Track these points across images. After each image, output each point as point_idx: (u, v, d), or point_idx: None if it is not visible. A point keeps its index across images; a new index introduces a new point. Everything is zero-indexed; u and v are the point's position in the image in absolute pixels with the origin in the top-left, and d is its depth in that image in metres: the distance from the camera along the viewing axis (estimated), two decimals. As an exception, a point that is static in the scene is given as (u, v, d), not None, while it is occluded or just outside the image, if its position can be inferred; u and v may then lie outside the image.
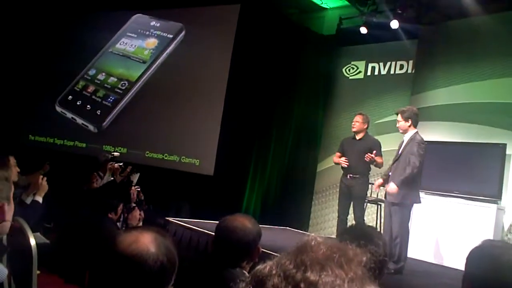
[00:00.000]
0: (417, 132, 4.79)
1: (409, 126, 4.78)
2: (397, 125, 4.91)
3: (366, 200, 5.99)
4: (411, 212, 4.85)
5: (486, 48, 6.54)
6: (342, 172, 5.74)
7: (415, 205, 4.80)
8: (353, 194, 5.55)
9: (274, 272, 0.69)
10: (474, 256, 1.51)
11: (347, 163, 5.54)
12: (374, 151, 5.34)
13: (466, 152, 6.27)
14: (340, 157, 5.71)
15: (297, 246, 0.75)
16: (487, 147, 6.13)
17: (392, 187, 4.62)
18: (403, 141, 4.90)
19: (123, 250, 1.21)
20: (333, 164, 8.05)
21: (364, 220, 5.74)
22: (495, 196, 5.87)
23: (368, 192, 5.90)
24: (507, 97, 6.27)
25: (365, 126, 5.67)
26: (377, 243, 1.61)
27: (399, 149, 4.91)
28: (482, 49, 6.57)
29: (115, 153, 5.82)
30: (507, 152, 5.97)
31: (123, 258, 1.20)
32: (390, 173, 4.90)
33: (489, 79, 6.49)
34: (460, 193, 6.05)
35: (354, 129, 5.67)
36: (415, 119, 4.79)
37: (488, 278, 1.41)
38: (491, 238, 5.30)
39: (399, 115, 4.85)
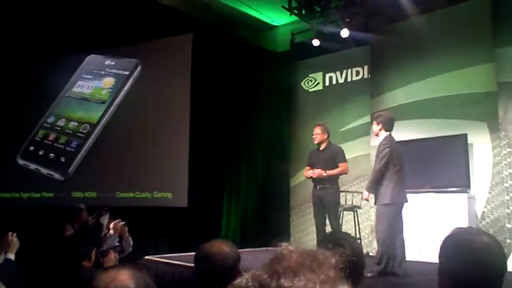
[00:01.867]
0: (386, 136, 4.91)
1: (380, 130, 4.94)
2: (314, 136, 5.35)
3: (341, 209, 6.05)
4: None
5: (434, 44, 6.79)
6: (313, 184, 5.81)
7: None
8: (325, 205, 5.61)
9: (250, 284, 0.70)
10: (447, 245, 1.53)
11: (314, 174, 5.60)
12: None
13: (430, 147, 6.43)
14: (310, 169, 5.77)
15: (271, 257, 0.77)
16: (450, 139, 6.30)
17: (364, 193, 4.90)
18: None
19: (101, 291, 1.19)
20: (305, 178, 8.21)
21: (341, 228, 5.78)
22: (464, 185, 6.03)
23: (342, 200, 5.98)
24: (461, 88, 6.49)
25: (326, 136, 5.78)
26: (343, 245, 1.64)
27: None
28: (430, 45, 6.81)
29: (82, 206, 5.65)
30: (469, 141, 6.16)
31: (101, 299, 1.18)
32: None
33: (442, 73, 6.70)
34: (430, 187, 6.19)
35: (316, 141, 5.78)
36: (387, 123, 4.94)
37: (462, 264, 1.43)
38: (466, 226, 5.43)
39: (374, 118, 5.06)
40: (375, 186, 4.78)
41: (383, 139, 4.88)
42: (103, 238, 5.07)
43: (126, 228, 5.25)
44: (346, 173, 5.76)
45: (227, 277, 2.07)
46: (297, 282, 0.68)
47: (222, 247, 2.13)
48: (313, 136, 5.80)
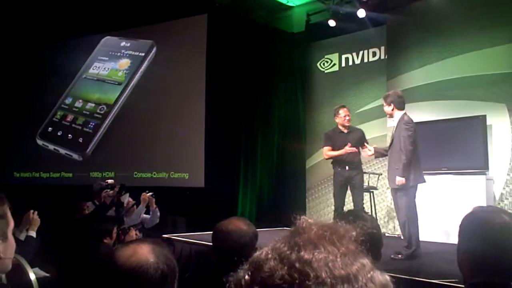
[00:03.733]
0: (404, 113, 4.84)
1: (393, 110, 4.85)
2: (384, 110, 5.01)
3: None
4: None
5: (452, 25, 6.65)
6: (334, 165, 5.76)
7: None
8: (353, 185, 5.63)
9: (270, 256, 0.71)
10: (467, 223, 1.53)
11: (352, 150, 5.50)
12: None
13: (448, 128, 6.36)
14: (331, 150, 5.72)
15: (290, 230, 0.78)
16: (468, 120, 6.22)
17: (398, 179, 4.63)
18: (393, 126, 4.97)
19: (123, 263, 1.22)
20: (322, 159, 8.18)
21: (365, 208, 5.79)
22: (482, 167, 5.97)
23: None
24: (480, 69, 6.39)
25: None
26: (364, 218, 1.65)
27: (392, 134, 4.98)
28: (448, 26, 6.68)
29: (109, 180, 5.76)
30: (488, 123, 6.08)
31: (124, 271, 1.21)
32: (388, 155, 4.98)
33: (460, 54, 6.59)
34: (448, 169, 6.13)
35: (348, 123, 5.71)
36: (398, 101, 4.84)
37: (482, 242, 1.43)
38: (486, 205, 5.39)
39: (383, 100, 4.96)
40: (408, 169, 4.66)
41: (404, 119, 4.78)
42: (131, 210, 5.19)
43: (154, 199, 5.36)
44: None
45: (244, 254, 2.10)
46: (317, 254, 0.68)
47: (239, 224, 2.15)
48: (346, 118, 5.69)
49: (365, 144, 5.54)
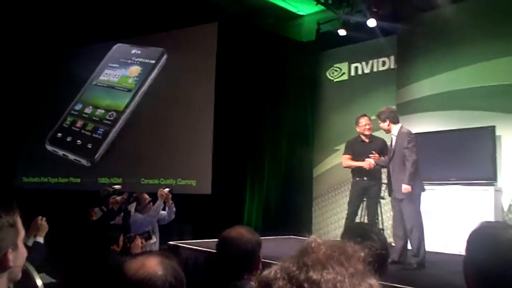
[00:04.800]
0: (401, 126, 4.99)
1: (389, 125, 4.98)
2: (381, 127, 5.14)
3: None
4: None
5: (463, 35, 6.64)
6: (352, 174, 5.73)
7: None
8: (370, 195, 5.59)
9: (278, 275, 0.72)
10: (474, 238, 1.52)
11: (374, 164, 5.43)
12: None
13: (457, 139, 6.33)
14: (351, 159, 5.68)
15: (299, 249, 0.78)
16: (477, 131, 6.20)
17: (405, 187, 4.72)
18: (392, 139, 5.08)
19: (132, 276, 1.23)
20: (329, 167, 8.18)
21: (377, 219, 5.74)
22: (491, 178, 5.94)
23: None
24: (490, 79, 6.36)
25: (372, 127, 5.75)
26: (372, 238, 1.65)
27: (391, 146, 5.07)
28: (459, 36, 6.68)
29: (116, 186, 5.78)
30: (497, 133, 6.05)
31: (133, 284, 1.22)
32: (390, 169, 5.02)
33: (470, 64, 6.57)
34: (457, 179, 6.11)
35: (368, 132, 5.63)
36: (392, 116, 4.99)
37: (489, 258, 1.43)
38: (493, 219, 5.37)
39: (378, 118, 5.08)
40: (414, 177, 4.76)
41: (403, 132, 4.90)
42: (148, 207, 5.22)
43: (171, 196, 5.39)
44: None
45: (247, 261, 2.11)
46: (326, 275, 0.69)
47: (241, 231, 2.18)
48: (366, 127, 5.61)
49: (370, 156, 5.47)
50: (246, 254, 2.09)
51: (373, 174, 5.56)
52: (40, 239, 3.65)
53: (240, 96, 8.16)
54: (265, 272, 0.74)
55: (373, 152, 5.44)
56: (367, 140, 5.66)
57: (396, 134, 4.95)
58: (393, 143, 5.00)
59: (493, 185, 5.88)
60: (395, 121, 4.99)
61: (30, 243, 3.62)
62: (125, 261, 1.33)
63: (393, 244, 5.06)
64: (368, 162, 5.40)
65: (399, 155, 4.87)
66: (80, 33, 8.89)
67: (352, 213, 5.61)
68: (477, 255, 1.47)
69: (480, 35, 6.48)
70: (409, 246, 4.91)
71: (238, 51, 8.17)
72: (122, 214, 4.97)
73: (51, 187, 9.21)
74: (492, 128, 6.05)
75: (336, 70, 8.51)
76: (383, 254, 1.65)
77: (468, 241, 1.53)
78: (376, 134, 5.86)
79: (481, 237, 1.51)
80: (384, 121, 4.97)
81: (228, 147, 8.02)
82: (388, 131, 5.06)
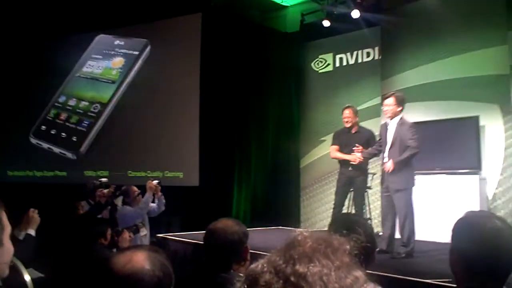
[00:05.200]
0: (402, 117, 4.90)
1: (399, 112, 4.87)
2: (385, 109, 4.96)
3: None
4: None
5: (446, 26, 6.69)
6: (340, 164, 5.77)
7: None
8: (355, 185, 5.64)
9: (265, 269, 0.72)
10: (459, 228, 1.56)
11: (360, 159, 5.42)
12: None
13: (441, 129, 6.39)
14: (338, 150, 5.72)
15: (286, 243, 0.79)
16: (461, 121, 6.27)
17: (388, 164, 4.75)
18: (387, 126, 4.99)
19: (119, 270, 1.22)
20: (316, 158, 8.22)
21: (365, 209, 5.82)
22: (475, 167, 6.02)
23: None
24: (473, 70, 6.42)
25: (357, 119, 5.74)
26: (358, 231, 1.67)
27: (384, 134, 5.00)
28: (442, 27, 6.72)
29: (103, 179, 5.74)
30: (481, 123, 6.12)
31: (120, 278, 1.21)
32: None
33: (454, 55, 6.62)
34: (442, 169, 6.18)
35: (348, 125, 5.66)
36: (403, 105, 4.92)
37: (473, 247, 1.46)
38: (478, 208, 5.45)
39: (392, 98, 4.89)
40: (409, 165, 4.77)
41: (407, 123, 4.85)
42: (137, 199, 5.21)
43: (160, 187, 5.38)
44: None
45: (234, 252, 2.12)
46: (312, 268, 0.70)
47: (227, 223, 2.20)
48: (345, 119, 5.66)
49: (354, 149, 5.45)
50: (232, 244, 2.11)
51: (359, 164, 5.58)
52: (32, 232, 3.61)
53: (226, 87, 8.13)
54: (252, 266, 0.75)
55: (357, 145, 5.43)
56: (353, 131, 5.69)
57: (395, 123, 4.87)
58: (393, 132, 4.89)
59: (478, 174, 5.96)
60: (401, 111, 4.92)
61: (21, 236, 3.58)
62: (112, 256, 1.33)
63: (380, 234, 5.12)
64: (355, 157, 5.42)
65: (399, 145, 4.78)
66: (62, 24, 8.74)
67: (339, 203, 5.65)
68: (462, 243, 1.50)
69: (464, 26, 6.53)
70: (397, 236, 4.96)
71: (222, 42, 8.12)
72: (109, 207, 4.94)
73: (36, 180, 9.12)
74: (476, 118, 6.12)
75: (321, 61, 8.52)
76: (369, 247, 1.67)
77: (453, 230, 1.57)
78: (365, 122, 5.89)
79: (466, 226, 1.54)
80: (399, 105, 4.85)
81: (215, 138, 8.00)
82: (393, 117, 4.88)
